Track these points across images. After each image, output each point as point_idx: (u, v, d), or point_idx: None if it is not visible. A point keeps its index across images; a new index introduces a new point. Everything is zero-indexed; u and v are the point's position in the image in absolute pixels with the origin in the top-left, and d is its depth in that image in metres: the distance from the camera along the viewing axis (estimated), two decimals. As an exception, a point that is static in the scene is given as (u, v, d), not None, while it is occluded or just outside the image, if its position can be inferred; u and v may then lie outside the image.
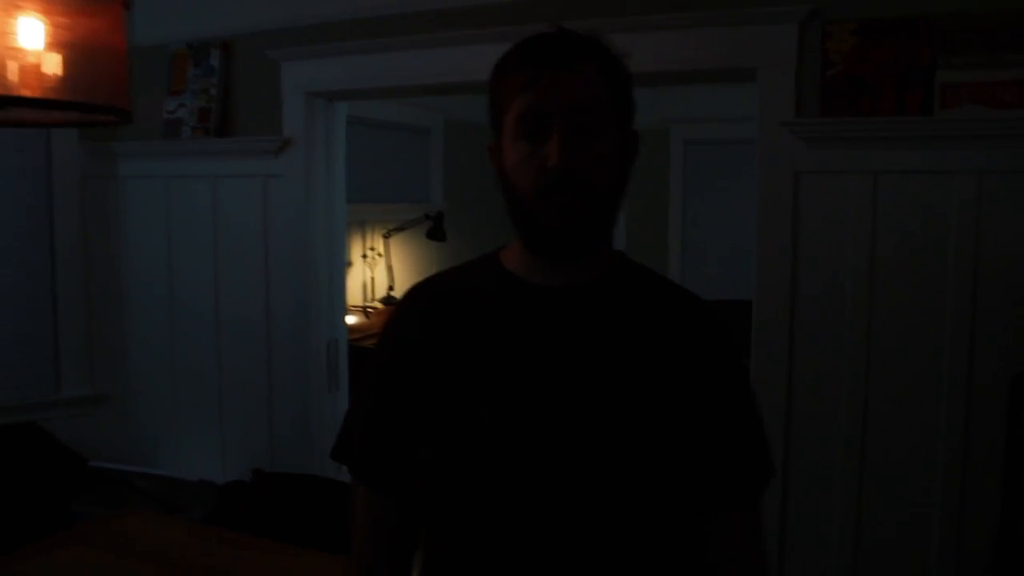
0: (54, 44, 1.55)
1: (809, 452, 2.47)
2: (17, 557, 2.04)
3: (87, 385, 3.71)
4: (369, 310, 5.07)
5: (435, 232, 5.35)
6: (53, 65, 1.55)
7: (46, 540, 2.15)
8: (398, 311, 1.23)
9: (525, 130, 1.04)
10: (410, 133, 5.71)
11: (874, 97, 2.35)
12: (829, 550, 2.44)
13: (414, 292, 1.24)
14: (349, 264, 4.73)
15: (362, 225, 5.21)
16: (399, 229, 5.34)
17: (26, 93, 1.53)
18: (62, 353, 3.65)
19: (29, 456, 3.37)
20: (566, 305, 1.12)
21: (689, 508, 1.11)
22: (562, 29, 1.09)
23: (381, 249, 5.35)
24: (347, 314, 3.73)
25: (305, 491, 2.56)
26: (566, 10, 2.52)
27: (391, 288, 5.38)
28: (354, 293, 5.02)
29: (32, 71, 1.54)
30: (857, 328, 2.39)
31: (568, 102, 1.03)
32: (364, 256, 5.25)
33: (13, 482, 3.21)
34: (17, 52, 1.51)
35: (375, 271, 5.34)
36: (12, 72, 1.52)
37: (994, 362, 2.21)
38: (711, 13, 2.49)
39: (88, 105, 1.60)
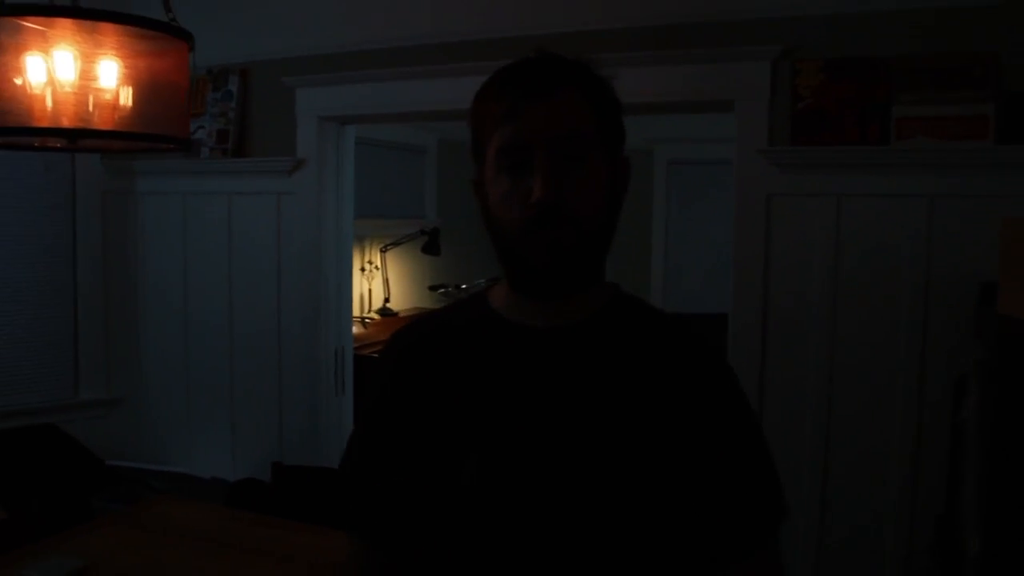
0: (126, 82, 1.79)
1: (779, 451, 2.72)
2: (62, 537, 2.26)
3: (103, 389, 3.93)
4: (367, 320, 5.31)
5: (430, 247, 5.60)
6: (125, 100, 1.80)
7: (71, 531, 2.37)
8: (382, 357, 1.19)
9: (507, 163, 0.99)
10: (406, 152, 5.97)
11: (838, 128, 2.62)
12: (796, 542, 2.70)
13: (398, 337, 1.19)
14: (349, 276, 4.97)
15: (360, 240, 5.46)
16: (396, 244, 5.59)
17: (102, 126, 1.78)
18: (81, 359, 3.87)
19: (49, 455, 3.59)
20: (553, 348, 1.05)
21: (697, 563, 1.02)
22: (544, 54, 1.05)
23: (378, 263, 5.60)
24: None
25: (319, 481, 2.79)
26: (559, 46, 2.78)
27: (387, 300, 5.63)
28: (352, 305, 5.26)
29: (108, 107, 1.78)
30: (823, 336, 2.66)
31: (550, 132, 0.97)
32: (362, 269, 5.49)
33: (34, 479, 3.43)
34: (96, 91, 1.76)
35: (372, 284, 5.58)
36: (91, 108, 1.76)
37: (942, 365, 2.48)
38: (694, 51, 2.76)
39: (154, 136, 1.85)
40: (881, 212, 2.58)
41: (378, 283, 5.62)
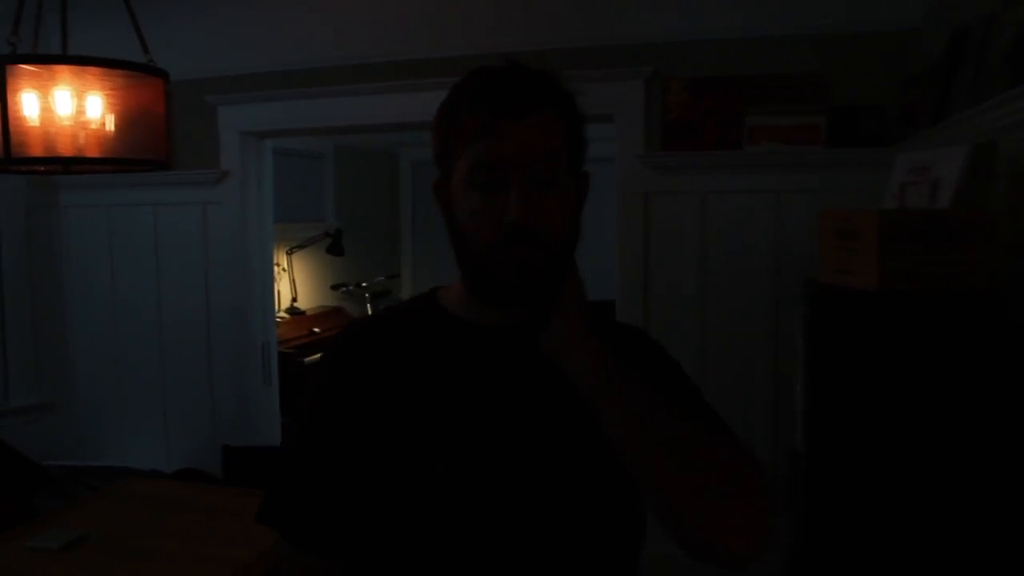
0: (112, 111, 2.10)
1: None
2: (51, 516, 2.54)
3: (34, 394, 4.11)
4: (277, 320, 5.59)
5: (334, 248, 5.92)
6: (111, 128, 2.11)
7: (57, 511, 2.64)
8: (328, 358, 1.12)
9: (479, 180, 0.97)
10: (305, 158, 6.25)
11: (701, 136, 3.13)
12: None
13: (345, 338, 1.14)
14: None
15: (266, 243, 5.73)
16: (301, 246, 5.88)
17: (91, 154, 2.09)
18: (10, 367, 4.04)
19: (-17, 461, 3.76)
20: (514, 344, 1.05)
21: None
22: (515, 66, 1.02)
23: (285, 264, 5.88)
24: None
25: (267, 458, 3.11)
26: (455, 68, 3.20)
27: (295, 299, 5.92)
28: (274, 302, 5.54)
29: (94, 136, 2.09)
30: (695, 315, 3.17)
31: (526, 154, 0.95)
32: (270, 271, 5.76)
33: (-29, 485, 3.60)
34: (85, 123, 2.07)
35: (280, 284, 5.86)
36: (81, 138, 2.07)
37: (794, 333, 3.02)
38: (580, 72, 3.21)
39: (137, 160, 2.16)
40: (739, 205, 3.10)
41: (285, 284, 5.90)
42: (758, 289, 3.09)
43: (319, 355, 5.16)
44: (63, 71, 1.99)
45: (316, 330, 5.67)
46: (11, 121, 1.94)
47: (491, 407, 1.02)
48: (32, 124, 1.98)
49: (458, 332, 1.07)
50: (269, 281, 4.02)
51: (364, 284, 6.53)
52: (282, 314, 5.76)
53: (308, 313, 5.96)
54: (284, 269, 5.88)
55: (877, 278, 1.57)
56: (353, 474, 1.02)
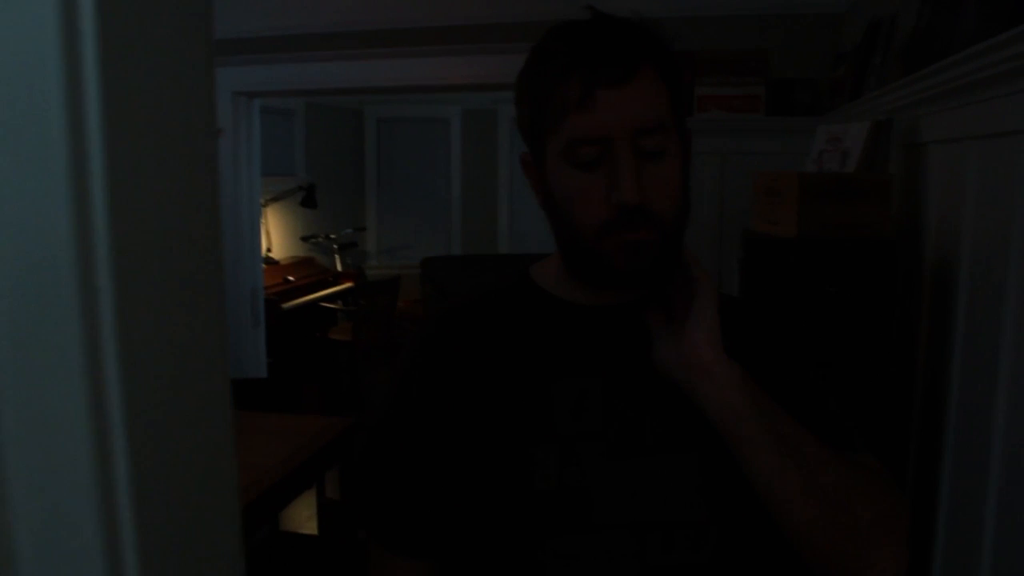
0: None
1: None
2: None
3: None
4: (254, 269, 5.91)
5: (308, 200, 6.23)
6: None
7: None
8: (418, 346, 1.00)
9: (579, 157, 0.86)
10: (277, 115, 6.52)
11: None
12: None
13: (437, 327, 1.01)
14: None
15: (243, 196, 6.02)
16: (276, 199, 6.17)
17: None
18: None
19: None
20: (621, 326, 0.95)
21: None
22: (601, 17, 0.90)
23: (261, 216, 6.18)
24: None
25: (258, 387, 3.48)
26: (403, 38, 3.55)
27: (269, 250, 6.22)
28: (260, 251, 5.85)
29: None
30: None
31: (632, 124, 0.84)
32: (246, 222, 6.06)
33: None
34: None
35: (255, 235, 6.16)
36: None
37: (732, 271, 3.45)
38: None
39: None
40: (700, 166, 3.49)
41: (261, 235, 6.20)
42: (706, 236, 3.51)
43: (301, 300, 5.50)
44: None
45: (290, 278, 5.99)
46: None
47: (616, 394, 0.92)
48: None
49: (562, 314, 0.97)
50: (257, 231, 4.34)
51: (332, 236, 6.84)
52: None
53: (282, 263, 6.27)
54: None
55: (796, 228, 1.97)
56: (448, 470, 0.92)
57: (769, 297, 2.07)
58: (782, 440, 0.84)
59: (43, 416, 0.42)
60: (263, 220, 6.18)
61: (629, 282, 0.91)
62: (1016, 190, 1.42)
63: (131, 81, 0.43)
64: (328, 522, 3.04)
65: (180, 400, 0.49)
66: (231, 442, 0.54)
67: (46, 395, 0.42)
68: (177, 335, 0.49)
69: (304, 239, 6.73)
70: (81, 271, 0.41)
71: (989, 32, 1.40)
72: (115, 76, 0.42)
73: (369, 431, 1.02)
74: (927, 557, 1.81)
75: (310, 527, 3.59)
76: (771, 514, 0.85)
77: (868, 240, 1.96)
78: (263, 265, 5.97)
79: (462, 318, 1.01)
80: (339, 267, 6.87)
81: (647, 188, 0.85)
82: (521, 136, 0.97)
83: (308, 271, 6.33)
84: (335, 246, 6.84)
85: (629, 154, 0.85)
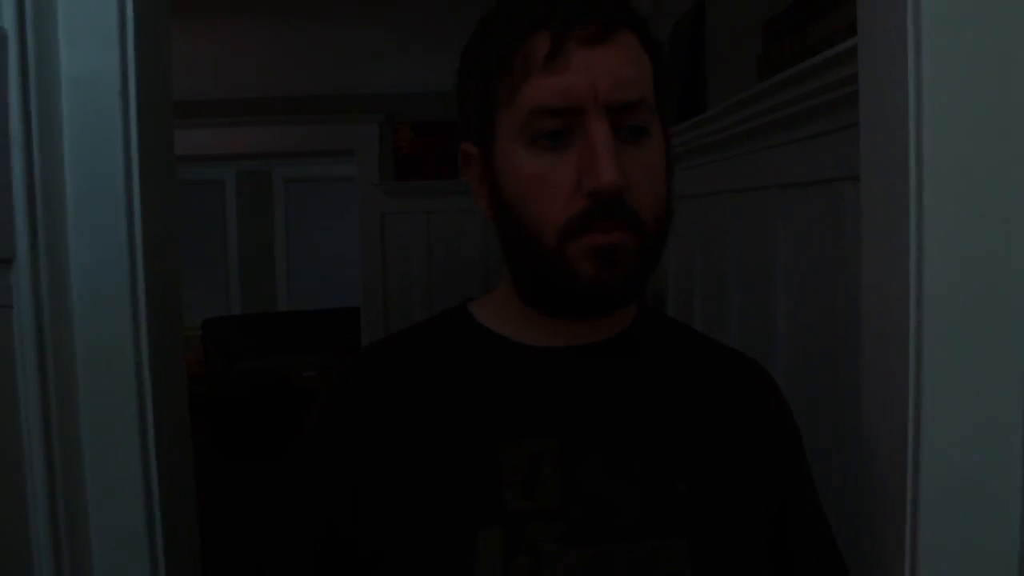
0: None
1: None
2: None
3: None
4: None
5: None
6: None
7: None
8: (326, 407, 0.76)
9: (542, 132, 0.65)
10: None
11: (425, 167, 3.98)
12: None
13: (358, 370, 0.78)
14: None
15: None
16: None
17: None
18: None
19: None
20: (595, 370, 0.73)
21: None
22: None
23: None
24: None
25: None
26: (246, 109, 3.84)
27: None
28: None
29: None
30: (422, 309, 4.00)
31: (611, 94, 0.64)
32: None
33: None
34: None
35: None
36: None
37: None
38: (325, 116, 3.97)
39: None
40: (454, 223, 3.98)
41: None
42: (473, 285, 3.99)
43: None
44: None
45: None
46: None
47: (561, 461, 0.69)
48: None
49: (510, 357, 0.74)
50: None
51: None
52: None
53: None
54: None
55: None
56: (372, 567, 0.69)
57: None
58: None
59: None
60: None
61: (598, 300, 0.69)
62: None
63: None
64: None
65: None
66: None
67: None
68: None
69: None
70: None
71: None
72: None
73: (269, 531, 0.78)
74: None
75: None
76: None
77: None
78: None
79: (382, 364, 0.77)
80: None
81: (626, 176, 0.64)
82: (462, 124, 0.74)
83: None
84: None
85: (606, 128, 0.63)
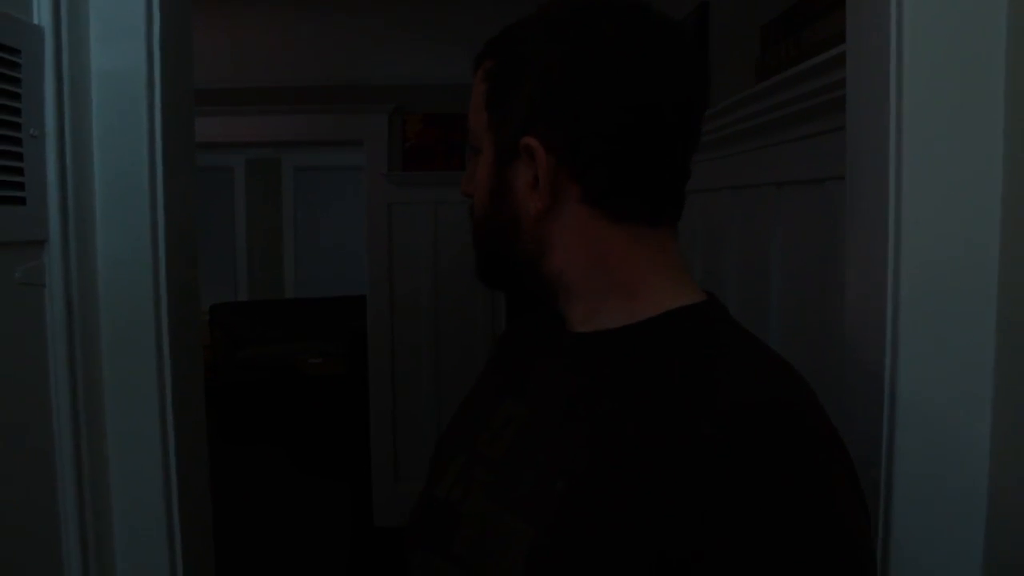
0: None
1: (406, 404, 4.09)
2: None
3: None
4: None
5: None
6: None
7: None
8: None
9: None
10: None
11: (433, 159, 4.02)
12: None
13: (509, 328, 1.01)
14: None
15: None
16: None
17: None
18: None
19: None
20: (564, 358, 0.79)
21: None
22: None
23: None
24: None
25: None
26: (247, 97, 3.89)
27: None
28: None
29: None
30: (429, 299, 4.05)
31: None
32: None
33: None
34: None
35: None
36: None
37: (497, 307, 3.99)
38: (335, 105, 4.01)
39: None
40: (461, 214, 3.99)
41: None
42: (480, 285, 4.02)
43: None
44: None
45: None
46: None
47: (521, 426, 0.77)
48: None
49: (551, 333, 0.82)
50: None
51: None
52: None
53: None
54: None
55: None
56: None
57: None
58: None
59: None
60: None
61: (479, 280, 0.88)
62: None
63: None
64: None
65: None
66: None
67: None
68: None
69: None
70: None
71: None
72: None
73: None
74: None
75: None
76: None
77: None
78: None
79: (516, 330, 1.01)
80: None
81: (471, 184, 0.83)
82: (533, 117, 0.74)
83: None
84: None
85: (469, 152, 0.84)
